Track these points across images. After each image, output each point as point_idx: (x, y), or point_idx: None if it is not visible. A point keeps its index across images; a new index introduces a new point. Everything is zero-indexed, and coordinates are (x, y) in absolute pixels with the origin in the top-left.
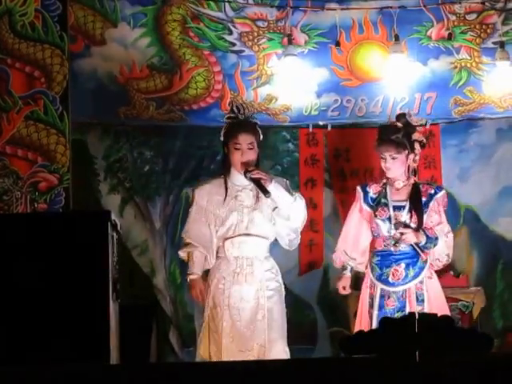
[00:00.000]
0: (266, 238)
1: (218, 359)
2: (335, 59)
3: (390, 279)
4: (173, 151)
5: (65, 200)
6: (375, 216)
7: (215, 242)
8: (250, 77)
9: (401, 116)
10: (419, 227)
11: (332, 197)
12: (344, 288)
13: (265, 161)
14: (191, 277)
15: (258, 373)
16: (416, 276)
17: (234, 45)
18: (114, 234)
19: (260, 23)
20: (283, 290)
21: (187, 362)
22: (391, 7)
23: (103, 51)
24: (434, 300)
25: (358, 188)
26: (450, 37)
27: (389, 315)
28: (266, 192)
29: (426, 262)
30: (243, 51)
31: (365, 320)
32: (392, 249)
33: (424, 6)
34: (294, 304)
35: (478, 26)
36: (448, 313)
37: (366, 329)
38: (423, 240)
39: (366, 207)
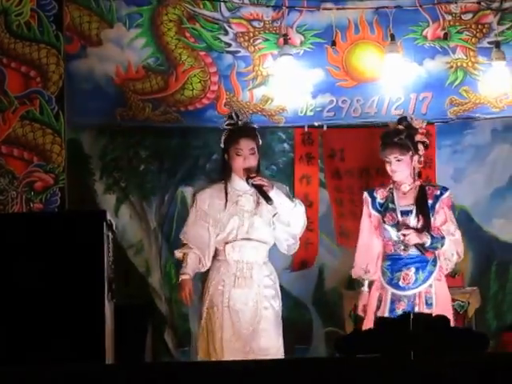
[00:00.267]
0: (266, 242)
1: (216, 359)
2: (331, 60)
3: (400, 283)
4: (168, 151)
5: (60, 200)
6: (383, 222)
7: (212, 245)
8: (246, 78)
9: (402, 119)
10: (427, 230)
11: (327, 197)
12: (364, 307)
13: (260, 161)
14: (183, 277)
15: (256, 372)
16: (425, 280)
17: (229, 45)
18: (110, 234)
19: (256, 23)
20: (280, 295)
21: (186, 361)
22: (387, 7)
23: (99, 52)
24: (441, 303)
25: (366, 194)
26: (445, 37)
27: None
28: (268, 199)
29: (435, 265)
30: (239, 52)
31: (370, 322)
32: (402, 253)
33: (420, 6)
34: (290, 304)
35: (473, 26)
36: (451, 315)
37: None
38: (428, 240)
39: (374, 213)
